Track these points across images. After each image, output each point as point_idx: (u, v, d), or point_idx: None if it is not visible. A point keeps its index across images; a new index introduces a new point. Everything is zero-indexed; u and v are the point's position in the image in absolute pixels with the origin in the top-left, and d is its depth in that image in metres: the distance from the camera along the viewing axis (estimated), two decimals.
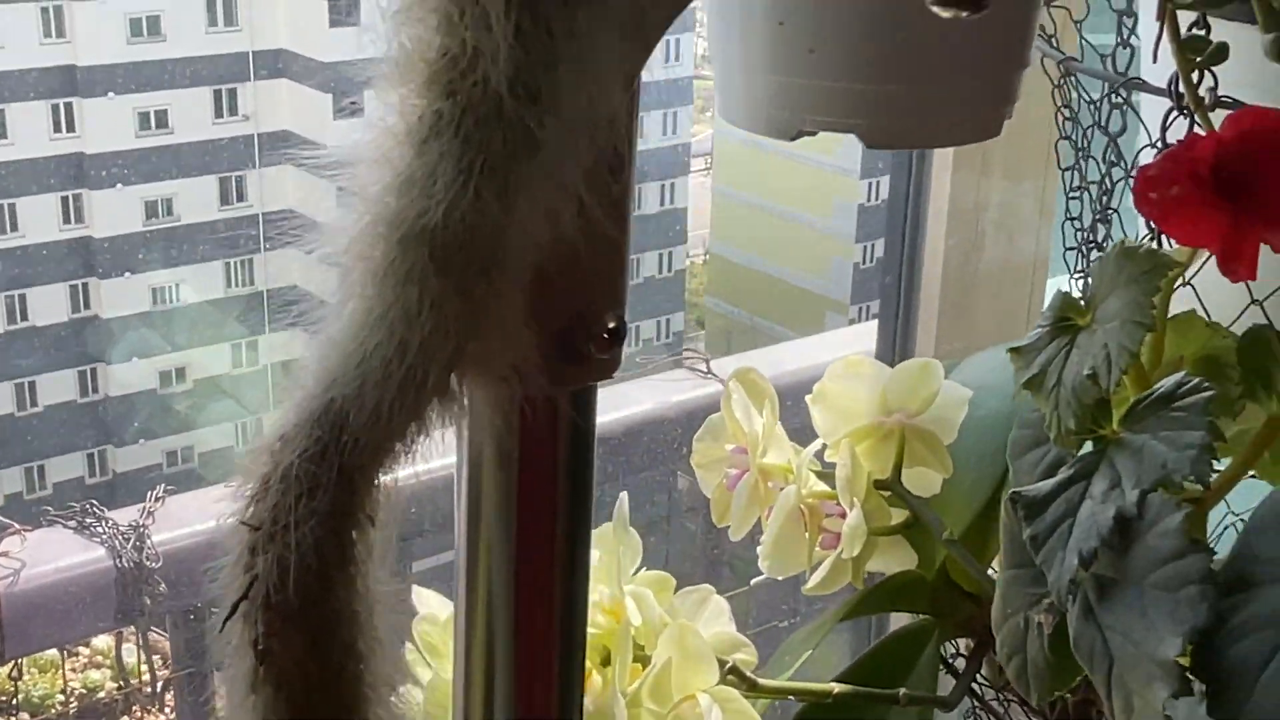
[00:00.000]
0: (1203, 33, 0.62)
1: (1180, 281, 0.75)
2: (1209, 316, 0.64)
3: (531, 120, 0.31)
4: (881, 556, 0.82)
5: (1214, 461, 0.48)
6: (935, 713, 0.79)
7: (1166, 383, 0.50)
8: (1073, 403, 0.51)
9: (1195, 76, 0.63)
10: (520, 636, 0.40)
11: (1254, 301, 0.72)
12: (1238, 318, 0.70)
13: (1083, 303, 0.54)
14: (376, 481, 0.36)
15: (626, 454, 1.43)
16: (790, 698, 0.73)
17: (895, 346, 1.30)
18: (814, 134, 0.57)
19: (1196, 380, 0.50)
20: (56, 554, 1.02)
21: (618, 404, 1.38)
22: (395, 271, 0.33)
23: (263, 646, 0.34)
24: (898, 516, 0.81)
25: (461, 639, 0.41)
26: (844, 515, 0.78)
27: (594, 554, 0.71)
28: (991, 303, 1.22)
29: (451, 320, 0.33)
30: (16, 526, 1.01)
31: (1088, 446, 0.53)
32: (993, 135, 0.57)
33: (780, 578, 0.82)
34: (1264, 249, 0.54)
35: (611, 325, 0.37)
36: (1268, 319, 0.71)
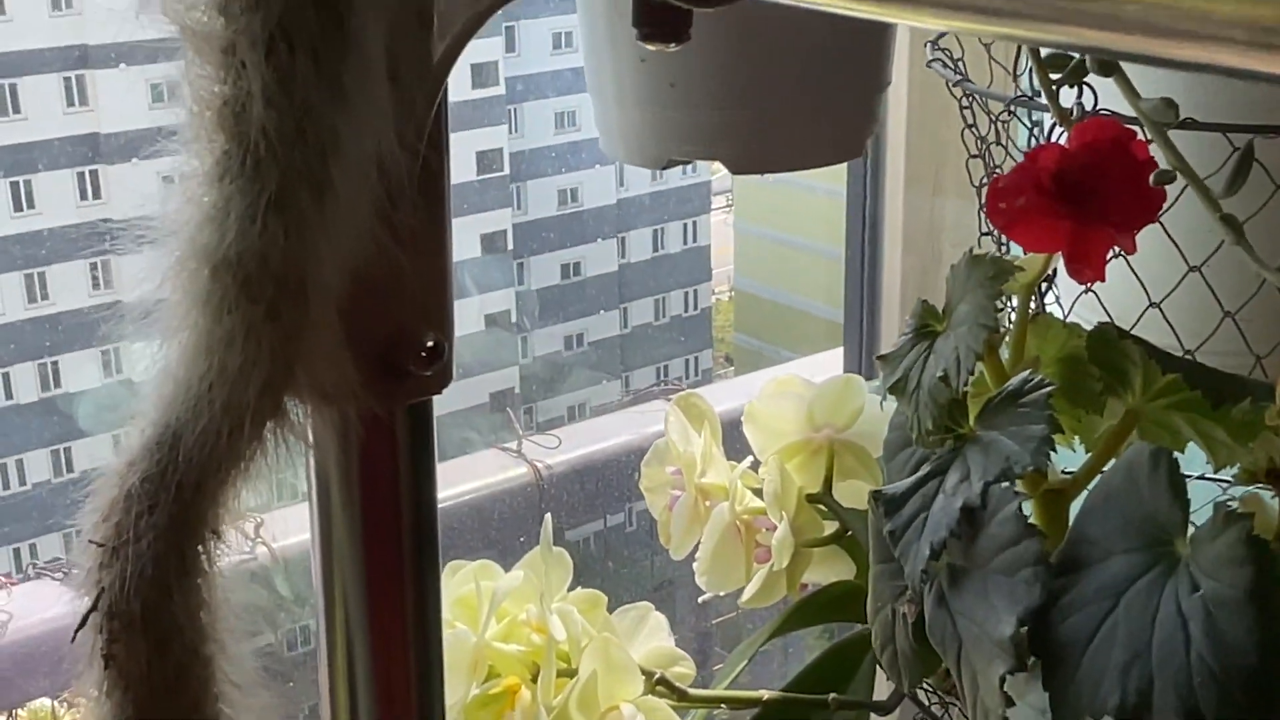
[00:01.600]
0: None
1: (1085, 288, 0.77)
2: (1113, 320, 0.67)
3: (309, 160, 0.34)
4: (820, 568, 0.85)
5: (1052, 452, 0.50)
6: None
7: (1014, 381, 0.53)
8: (929, 404, 0.54)
9: (1076, 91, 0.66)
10: (375, 650, 0.43)
11: (1152, 304, 0.75)
12: (1137, 320, 0.73)
13: (941, 310, 0.57)
14: (220, 497, 0.39)
15: (616, 483, 1.45)
16: (722, 706, 0.75)
17: (860, 361, 1.33)
18: (686, 163, 0.60)
19: (1040, 378, 0.52)
20: (45, 605, 1.06)
21: (604, 435, 1.41)
22: (212, 300, 0.36)
23: (108, 653, 0.37)
24: (835, 529, 0.84)
25: (324, 655, 0.44)
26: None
27: (519, 574, 0.74)
28: None
29: (267, 344, 0.37)
30: (1, 579, 1.05)
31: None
32: (856, 155, 0.60)
33: (721, 593, 0.84)
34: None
35: (430, 344, 0.40)
36: (1168, 322, 0.73)
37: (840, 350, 1.40)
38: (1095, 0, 0.25)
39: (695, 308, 6.04)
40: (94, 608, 0.38)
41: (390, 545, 0.43)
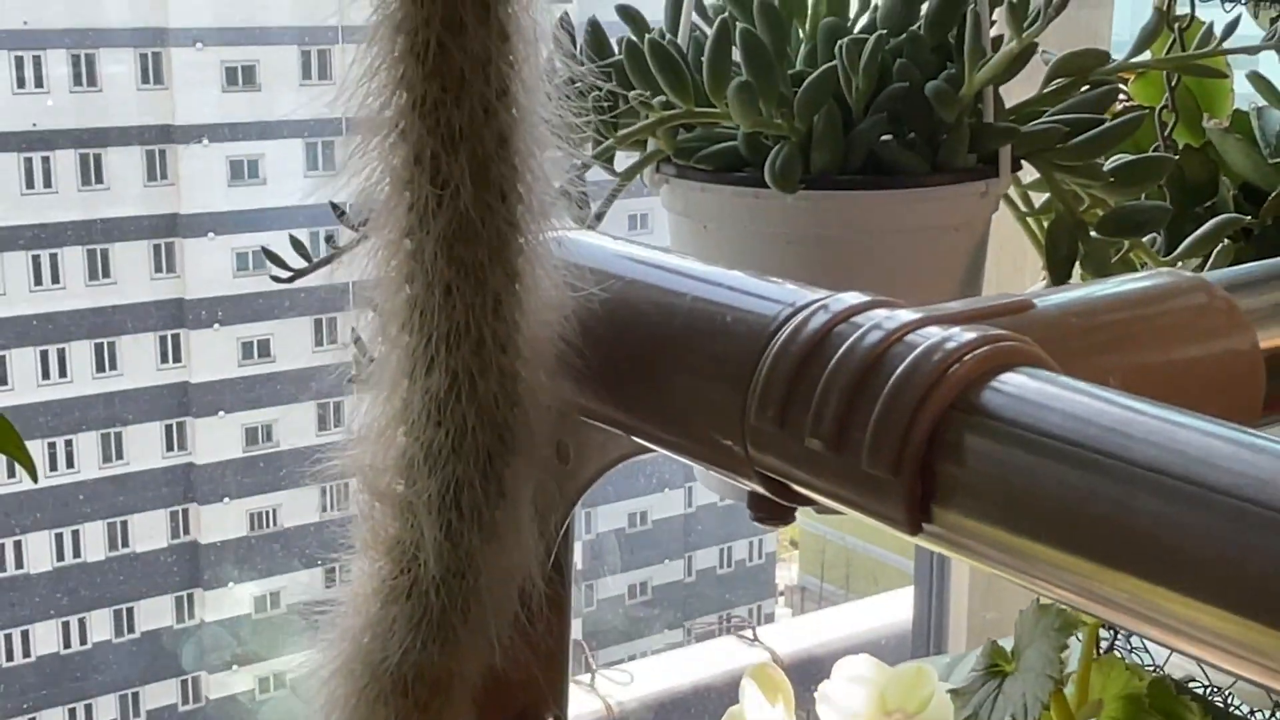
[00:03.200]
0: None
1: None
2: None
3: (464, 587, 0.39)
4: None
5: None
6: None
7: None
8: None
9: None
10: None
11: None
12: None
13: (1010, 651, 0.61)
14: None
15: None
16: None
17: (930, 608, 1.37)
18: None
19: None
20: None
21: (673, 672, 1.45)
22: (367, 696, 0.42)
23: None
24: None
25: None
26: None
27: None
28: None
29: None
30: None
31: None
32: None
33: None
34: None
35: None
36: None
37: (910, 590, 1.43)
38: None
39: (760, 555, 6.07)
40: None
41: None
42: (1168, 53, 0.80)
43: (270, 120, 5.25)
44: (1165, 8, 0.81)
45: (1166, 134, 0.83)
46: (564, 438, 0.44)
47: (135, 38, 5.01)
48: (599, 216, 0.66)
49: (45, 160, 5.08)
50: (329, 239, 0.62)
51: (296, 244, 0.61)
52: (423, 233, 0.40)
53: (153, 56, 5.10)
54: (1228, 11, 0.91)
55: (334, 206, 0.53)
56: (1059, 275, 0.67)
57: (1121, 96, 0.87)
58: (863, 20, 0.70)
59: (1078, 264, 0.67)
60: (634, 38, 0.68)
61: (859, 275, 0.66)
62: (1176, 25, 0.82)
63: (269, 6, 5.05)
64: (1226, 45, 0.75)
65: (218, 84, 5.15)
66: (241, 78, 5.17)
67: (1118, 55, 0.75)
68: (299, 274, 0.61)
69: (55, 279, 5.16)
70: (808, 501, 0.37)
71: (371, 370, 0.42)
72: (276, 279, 0.61)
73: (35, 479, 0.51)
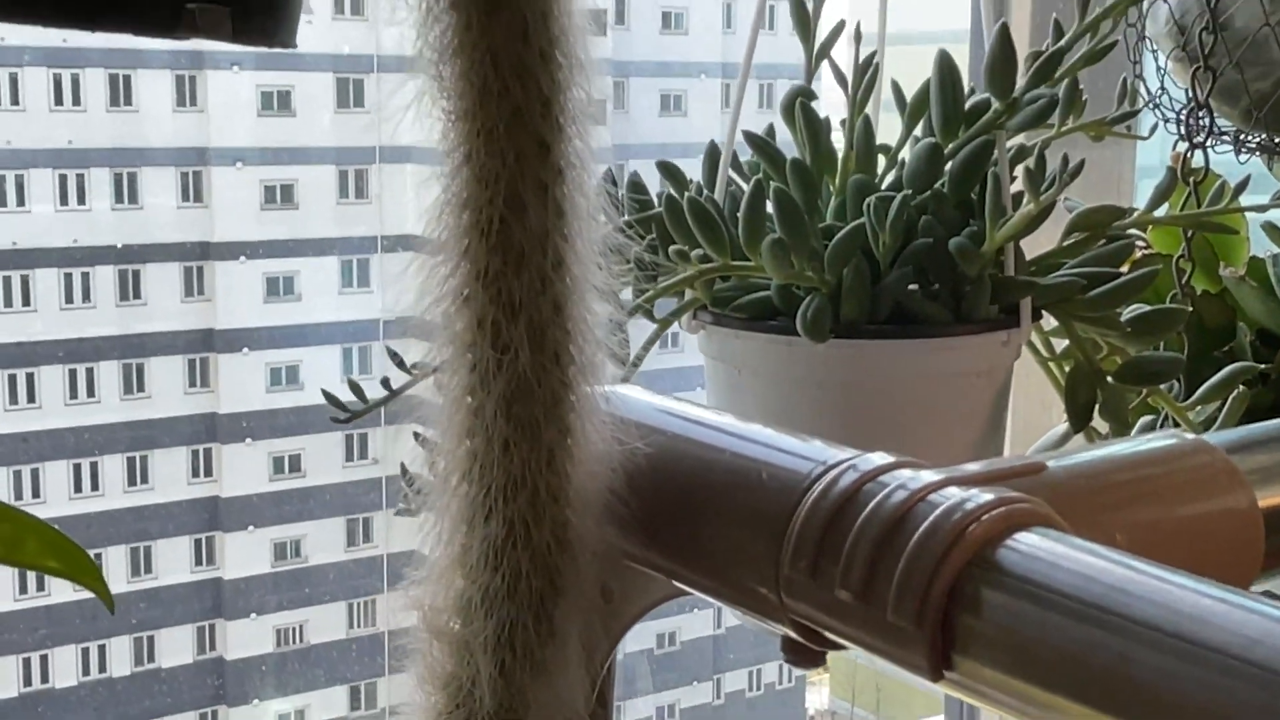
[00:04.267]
0: None
1: None
2: None
3: None
4: None
5: None
6: None
7: None
8: None
9: None
10: None
11: None
12: None
13: None
14: None
15: None
16: None
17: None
18: None
19: None
20: None
21: None
22: None
23: None
24: None
25: None
26: None
27: None
28: None
29: None
30: None
31: None
32: None
33: None
34: None
35: None
36: None
37: (941, 717, 1.45)
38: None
39: (790, 679, 6.03)
40: None
41: None
42: (1183, 206, 0.84)
43: (307, 238, 5.35)
44: (1180, 166, 0.85)
45: (1184, 281, 0.86)
46: (609, 580, 0.47)
47: (176, 157, 5.13)
48: (636, 363, 0.69)
49: (85, 275, 5.17)
50: (384, 382, 0.66)
51: (355, 388, 0.65)
52: (484, 392, 0.43)
53: (193, 175, 5.21)
54: (1242, 162, 0.95)
55: (392, 354, 0.56)
56: (1078, 421, 0.70)
57: (1140, 243, 0.90)
58: (890, 176, 0.74)
59: (1096, 409, 0.70)
60: (674, 192, 0.72)
61: (887, 419, 0.70)
62: (1191, 179, 0.86)
63: (309, 126, 5.16)
64: (1239, 202, 0.79)
65: (256, 202, 5.25)
66: (280, 196, 5.27)
67: (1142, 184, 0.79)
68: (356, 415, 0.64)
69: (91, 392, 5.23)
70: (838, 646, 0.40)
71: (426, 511, 0.46)
72: (335, 420, 0.64)
73: (112, 610, 0.54)
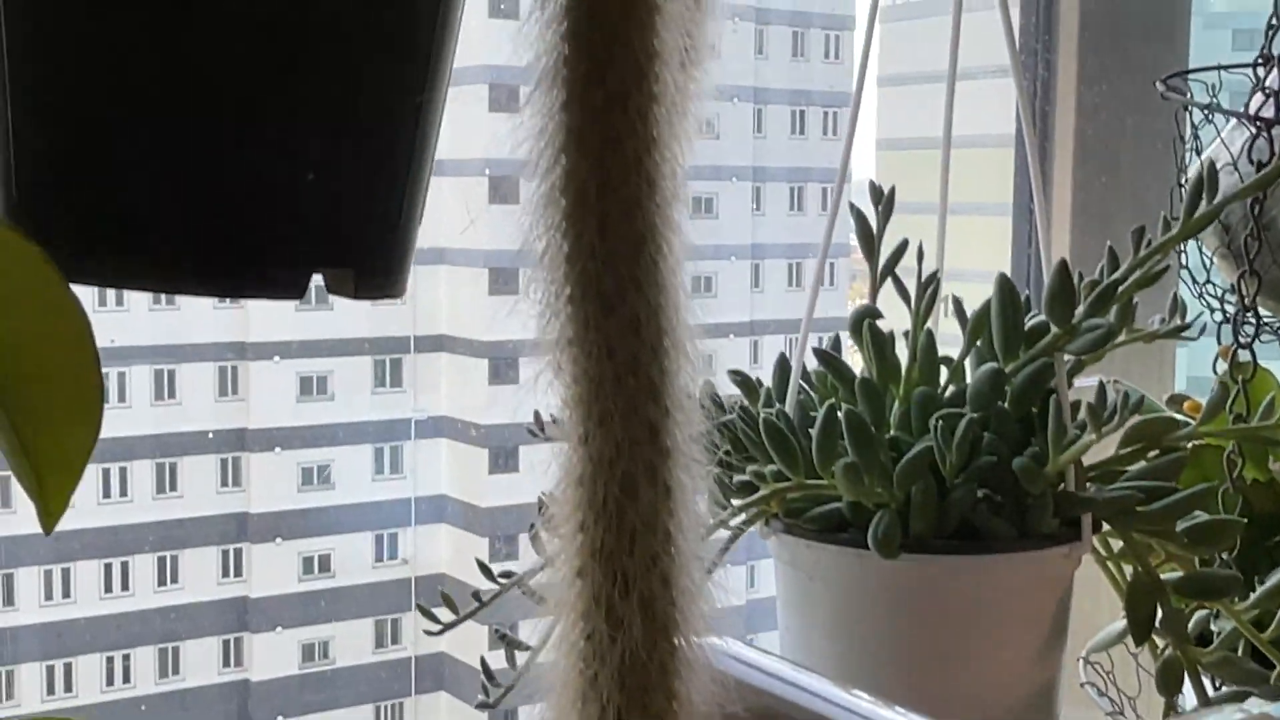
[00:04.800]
0: None
1: None
2: None
3: None
4: None
5: None
6: None
7: None
8: None
9: None
10: None
11: None
12: None
13: None
14: None
15: None
16: None
17: None
18: None
19: None
20: None
21: None
22: None
23: None
24: None
25: None
26: None
27: None
28: None
29: None
30: None
31: None
32: None
33: None
34: None
35: None
36: None
37: None
38: None
39: None
40: None
41: None
42: (1233, 404, 0.87)
43: (340, 423, 5.39)
44: (1229, 362, 0.88)
45: (1235, 475, 0.89)
46: None
47: (215, 352, 5.18)
48: (710, 570, 0.72)
49: (123, 470, 5.21)
50: (475, 594, 0.69)
51: (448, 600, 0.68)
52: (598, 663, 0.46)
53: (231, 369, 5.26)
54: None
55: (502, 636, 0.60)
56: (1140, 634, 0.72)
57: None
58: (951, 388, 0.77)
59: (1157, 622, 0.73)
60: (746, 401, 0.76)
61: (952, 628, 0.72)
62: (1240, 377, 0.89)
63: (348, 313, 5.23)
64: None
65: (292, 393, 5.31)
66: (315, 387, 5.33)
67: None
68: (449, 627, 0.67)
69: (125, 586, 5.26)
70: None
71: None
72: (429, 633, 0.67)
73: None
